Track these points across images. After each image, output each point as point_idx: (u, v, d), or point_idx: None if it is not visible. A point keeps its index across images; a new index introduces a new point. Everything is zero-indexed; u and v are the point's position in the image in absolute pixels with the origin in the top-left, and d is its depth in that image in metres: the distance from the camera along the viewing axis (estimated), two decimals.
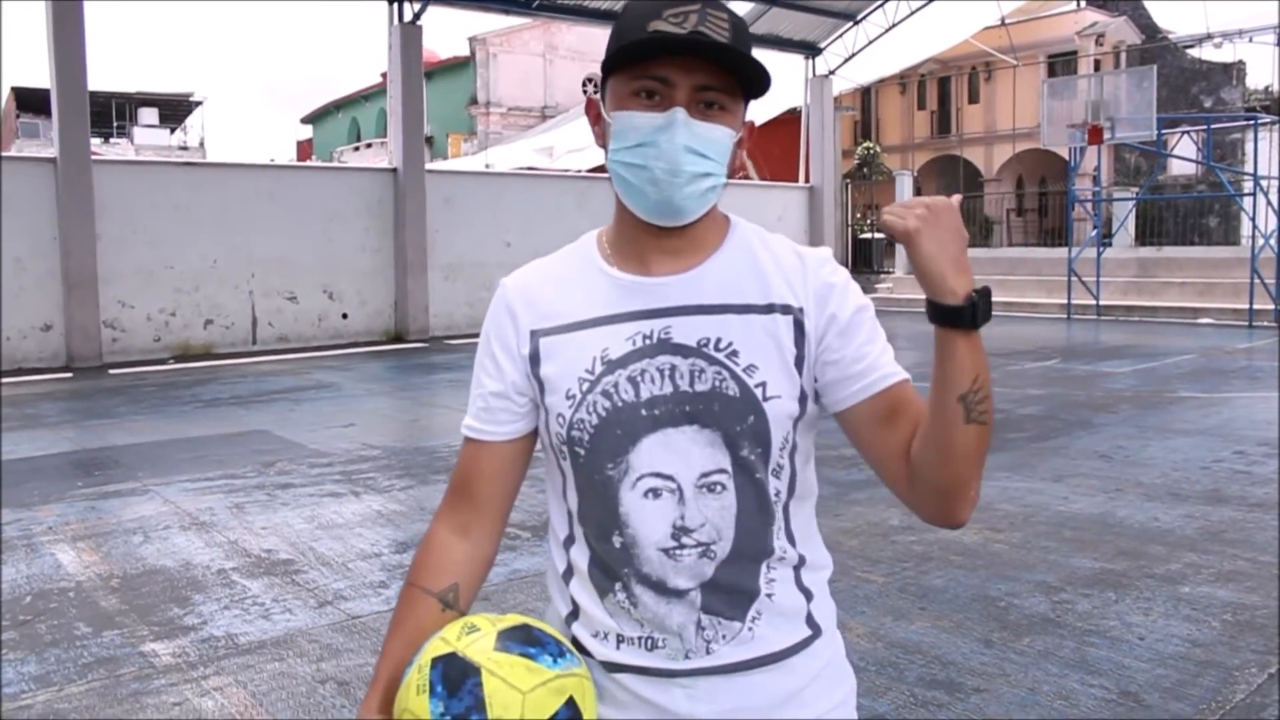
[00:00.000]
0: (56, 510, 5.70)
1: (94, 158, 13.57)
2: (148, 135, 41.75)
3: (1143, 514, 5.31)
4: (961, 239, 1.11)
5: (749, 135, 1.25)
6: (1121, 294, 17.96)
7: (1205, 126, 18.07)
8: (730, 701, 1.21)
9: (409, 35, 15.93)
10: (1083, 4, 31.11)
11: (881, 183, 27.99)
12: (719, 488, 1.20)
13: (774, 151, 23.17)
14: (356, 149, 38.77)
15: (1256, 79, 35.21)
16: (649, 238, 1.24)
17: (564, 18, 19.71)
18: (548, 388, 1.25)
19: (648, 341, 1.21)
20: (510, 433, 1.30)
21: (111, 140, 39.81)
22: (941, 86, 32.81)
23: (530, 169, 21.95)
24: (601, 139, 1.25)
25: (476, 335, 1.37)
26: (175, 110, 44.23)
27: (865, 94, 32.29)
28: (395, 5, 15.99)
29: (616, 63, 1.18)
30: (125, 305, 13.43)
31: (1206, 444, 7.01)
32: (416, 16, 16.06)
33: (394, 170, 15.83)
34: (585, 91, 34.38)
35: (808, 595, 1.26)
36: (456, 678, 1.10)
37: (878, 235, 22.96)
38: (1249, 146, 19.53)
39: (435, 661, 1.12)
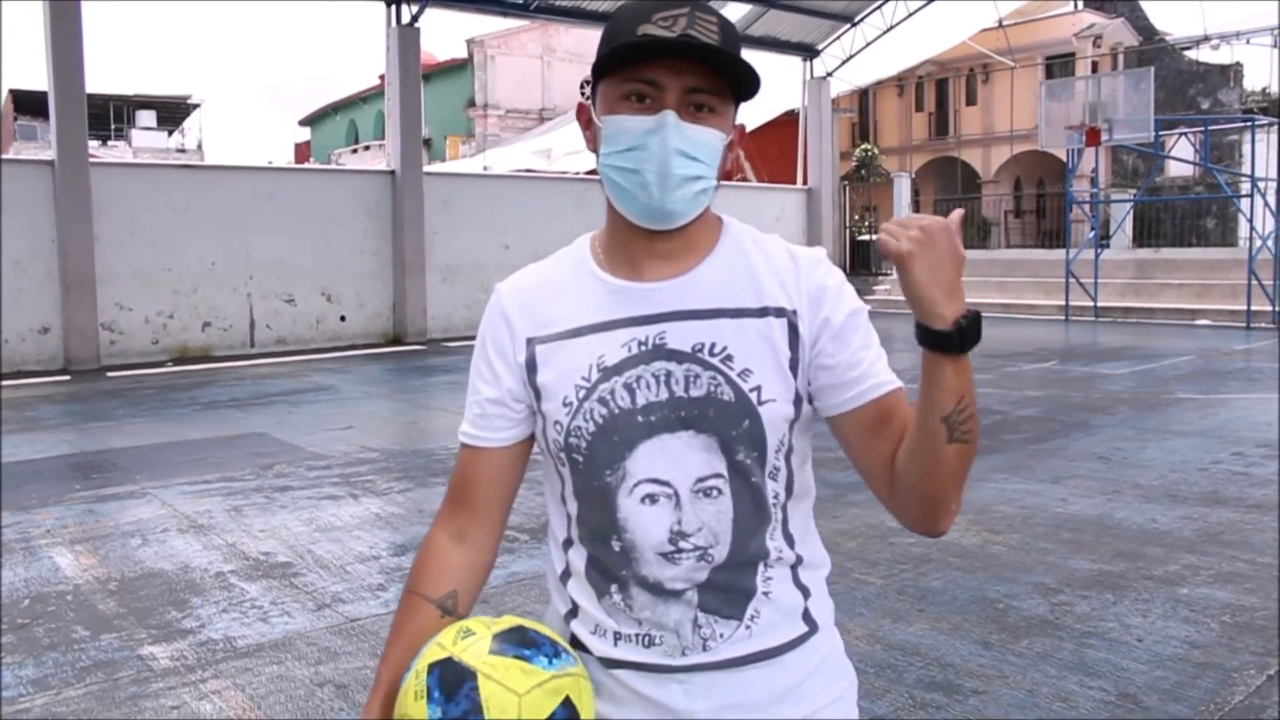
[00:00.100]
0: (55, 513, 5.70)
1: (92, 160, 13.57)
2: (145, 138, 41.67)
3: (1141, 515, 5.31)
4: (956, 263, 1.10)
5: (739, 138, 1.25)
6: (1119, 295, 17.99)
7: (1203, 128, 18.08)
8: (727, 697, 1.22)
9: (407, 37, 15.93)
10: (1080, 6, 31.12)
11: (879, 184, 27.96)
12: (715, 492, 1.20)
13: (772, 153, 23.19)
14: (354, 151, 38.69)
15: (1254, 81, 35.39)
16: (641, 241, 1.24)
17: (562, 20, 19.71)
18: (544, 395, 1.25)
19: (643, 348, 1.21)
20: (507, 439, 1.30)
21: (109, 143, 39.78)
22: (939, 88, 32.80)
23: (528, 171, 21.94)
24: (593, 143, 1.25)
25: (474, 337, 1.37)
26: (173, 112, 44.16)
27: (863, 96, 32.30)
28: (393, 7, 15.99)
29: (606, 66, 1.18)
30: (123, 308, 13.43)
31: (1204, 445, 7.01)
32: (414, 19, 16.07)
33: (392, 172, 15.83)
34: (582, 94, 34.31)
35: (805, 592, 1.27)
36: (453, 682, 1.11)
37: (876, 236, 22.97)
38: (1246, 148, 19.59)
39: (432, 667, 1.13)
